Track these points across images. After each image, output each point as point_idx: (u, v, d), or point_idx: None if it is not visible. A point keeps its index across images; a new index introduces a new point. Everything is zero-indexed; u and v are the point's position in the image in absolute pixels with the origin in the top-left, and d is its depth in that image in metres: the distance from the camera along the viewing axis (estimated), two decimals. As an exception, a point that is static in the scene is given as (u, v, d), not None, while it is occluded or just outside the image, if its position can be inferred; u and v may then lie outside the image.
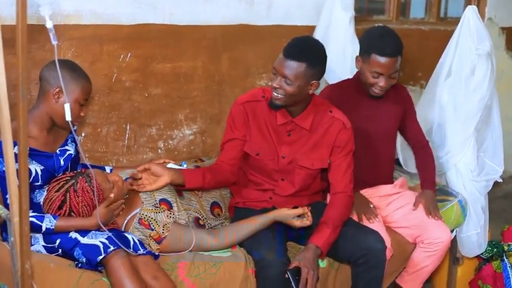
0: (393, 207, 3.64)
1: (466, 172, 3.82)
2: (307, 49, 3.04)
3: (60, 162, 2.96)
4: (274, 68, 3.04)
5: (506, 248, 4.04)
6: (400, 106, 3.68)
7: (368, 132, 3.57)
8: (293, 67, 2.98)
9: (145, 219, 2.98)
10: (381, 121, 3.61)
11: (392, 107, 3.64)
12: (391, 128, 3.71)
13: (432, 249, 3.45)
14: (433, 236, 3.45)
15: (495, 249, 4.00)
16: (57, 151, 2.97)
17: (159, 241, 2.96)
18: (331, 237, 3.10)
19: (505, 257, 4.00)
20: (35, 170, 2.83)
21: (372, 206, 3.52)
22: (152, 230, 2.96)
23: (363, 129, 3.52)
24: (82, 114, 2.95)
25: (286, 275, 2.91)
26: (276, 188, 3.32)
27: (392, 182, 3.80)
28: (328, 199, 3.47)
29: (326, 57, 3.13)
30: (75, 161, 3.08)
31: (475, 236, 3.89)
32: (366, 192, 3.65)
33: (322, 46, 3.15)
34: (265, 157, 3.26)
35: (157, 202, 3.05)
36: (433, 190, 3.66)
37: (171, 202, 3.10)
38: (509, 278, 3.96)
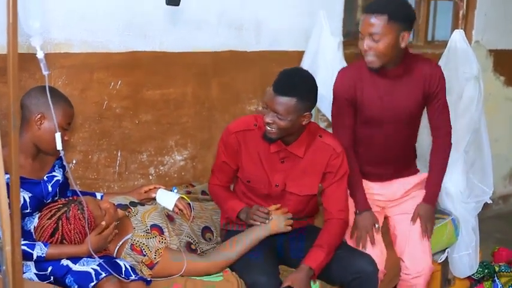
0: (397, 211, 3.60)
1: (455, 194, 3.84)
2: (296, 84, 3.02)
3: (48, 188, 2.95)
4: (266, 103, 3.06)
5: (497, 268, 4.06)
6: (422, 86, 3.34)
7: (382, 115, 3.38)
8: (284, 103, 2.98)
9: (137, 245, 2.98)
10: (397, 102, 3.35)
11: (411, 87, 3.34)
12: (410, 110, 3.38)
13: (411, 283, 3.48)
14: (414, 268, 3.45)
15: (486, 270, 4.03)
16: (45, 177, 2.97)
17: (151, 267, 2.96)
18: (325, 260, 3.10)
19: (496, 278, 4.01)
20: (23, 197, 2.81)
21: (377, 226, 3.44)
22: (144, 255, 2.96)
23: (377, 110, 3.37)
24: (66, 138, 2.92)
25: None
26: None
27: (413, 172, 3.66)
28: (316, 221, 3.49)
29: (316, 88, 3.12)
30: (63, 187, 3.07)
31: (466, 257, 3.90)
32: (379, 188, 3.58)
33: (312, 77, 3.13)
34: (256, 184, 3.28)
35: (149, 228, 3.05)
36: (432, 204, 3.57)
37: (162, 228, 3.10)
38: (501, 298, 3.98)
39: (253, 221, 3.16)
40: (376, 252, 3.31)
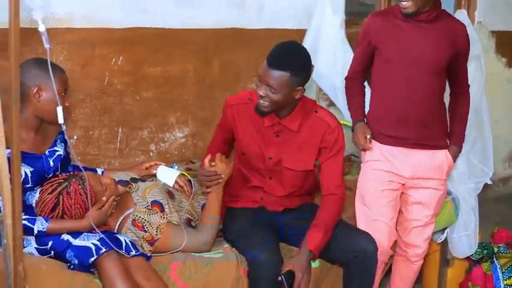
0: (414, 198, 3.44)
1: (456, 174, 3.84)
2: (290, 58, 3.01)
3: (49, 163, 2.95)
4: (259, 76, 3.03)
5: (496, 250, 4.06)
6: (450, 42, 3.23)
7: (409, 63, 3.23)
8: (277, 76, 2.96)
9: (139, 220, 2.99)
10: (425, 51, 3.20)
11: (440, 40, 3.22)
12: (436, 58, 3.23)
13: (411, 260, 3.54)
14: (412, 251, 3.51)
15: (485, 251, 4.02)
16: (46, 152, 2.97)
17: (151, 243, 2.97)
18: (324, 240, 3.10)
19: (495, 259, 4.01)
20: (25, 172, 2.81)
21: (368, 136, 3.37)
22: (146, 231, 2.97)
23: (403, 58, 3.23)
24: (67, 104, 2.92)
25: (280, 278, 2.92)
26: (265, 186, 3.33)
27: (442, 146, 3.40)
28: (316, 199, 3.47)
29: (310, 62, 3.11)
30: (65, 162, 3.07)
31: (465, 238, 3.91)
32: (402, 157, 3.36)
33: (306, 52, 3.11)
34: (251, 157, 3.28)
35: (149, 204, 3.06)
36: (459, 147, 3.45)
37: (163, 204, 3.11)
38: (499, 279, 3.98)
39: (208, 189, 3.18)
40: (385, 233, 3.33)
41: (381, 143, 3.37)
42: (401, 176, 3.36)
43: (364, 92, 3.55)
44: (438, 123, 3.38)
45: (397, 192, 3.41)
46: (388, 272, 3.65)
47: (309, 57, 3.11)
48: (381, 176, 3.37)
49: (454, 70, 3.34)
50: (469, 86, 3.48)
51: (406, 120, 3.30)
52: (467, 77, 3.46)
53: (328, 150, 3.22)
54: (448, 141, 3.42)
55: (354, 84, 3.54)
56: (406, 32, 3.22)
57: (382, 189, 3.36)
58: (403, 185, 3.40)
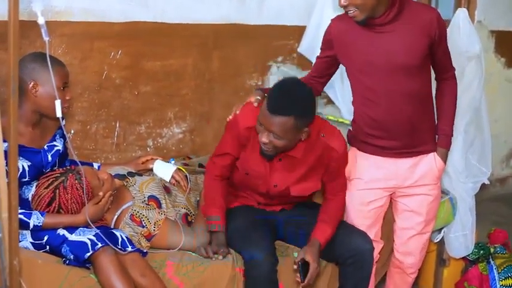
0: (404, 205, 3.35)
1: (453, 173, 3.83)
2: (292, 101, 2.82)
3: (47, 158, 2.95)
4: (260, 122, 2.87)
5: (492, 250, 4.06)
6: (419, 33, 2.99)
7: (375, 61, 3.03)
8: (280, 123, 2.80)
9: (137, 215, 2.98)
10: (392, 54, 2.99)
11: (407, 36, 2.98)
12: (409, 61, 3.01)
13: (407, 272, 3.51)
14: (407, 260, 3.46)
15: (482, 251, 4.02)
16: (45, 147, 2.96)
17: (149, 238, 2.96)
18: (330, 235, 3.11)
19: (491, 259, 4.01)
20: (22, 166, 2.81)
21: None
22: (143, 227, 2.96)
23: (370, 56, 3.03)
24: (68, 97, 2.90)
25: (296, 266, 2.95)
26: (266, 201, 3.31)
27: (429, 149, 3.25)
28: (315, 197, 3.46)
29: (314, 100, 2.95)
30: (63, 157, 3.07)
31: (462, 238, 3.90)
32: (388, 165, 3.23)
33: (309, 90, 2.93)
34: (254, 180, 3.18)
35: (146, 199, 3.05)
36: (447, 148, 3.28)
37: (160, 199, 3.10)
38: (495, 280, 3.97)
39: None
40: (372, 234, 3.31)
41: (367, 153, 3.25)
42: (388, 188, 3.29)
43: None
44: (423, 126, 3.20)
45: (383, 207, 3.35)
46: (382, 281, 3.65)
47: (313, 95, 2.96)
48: (366, 197, 3.28)
49: (434, 57, 3.12)
50: (454, 69, 3.28)
51: (386, 129, 3.14)
52: (450, 61, 3.24)
53: (335, 172, 3.17)
54: (436, 140, 3.28)
55: (304, 80, 3.22)
56: (369, 35, 3.01)
57: (368, 210, 3.29)
58: (392, 193, 3.33)
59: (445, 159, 3.28)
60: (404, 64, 3.00)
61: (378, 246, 3.34)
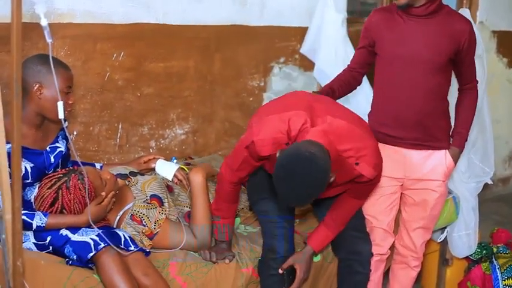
0: (413, 198, 3.36)
1: (457, 173, 3.83)
2: (307, 193, 2.50)
3: (50, 159, 2.95)
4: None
5: (495, 250, 4.06)
6: (449, 38, 3.08)
7: (405, 61, 3.12)
8: (302, 207, 3.07)
9: (137, 215, 2.99)
10: (422, 48, 3.09)
11: (438, 36, 3.09)
12: (436, 59, 3.10)
13: (411, 265, 3.51)
14: (409, 253, 3.48)
15: (484, 251, 4.02)
16: (48, 148, 2.96)
17: (151, 237, 2.97)
18: (330, 238, 3.10)
19: (494, 259, 4.01)
20: (25, 167, 2.81)
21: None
22: (144, 226, 2.97)
23: (399, 55, 3.13)
24: (70, 102, 2.91)
25: (282, 272, 2.96)
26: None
27: (444, 146, 3.28)
28: None
29: (328, 171, 2.51)
30: (66, 159, 3.07)
31: (465, 237, 3.91)
32: (399, 156, 3.26)
33: (317, 169, 2.47)
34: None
35: (148, 198, 3.06)
36: (461, 148, 3.31)
37: (162, 198, 3.10)
38: (498, 279, 3.97)
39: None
40: (381, 236, 3.34)
41: (378, 142, 3.16)
42: (397, 178, 3.31)
43: (349, 82, 3.45)
44: (437, 123, 3.26)
45: (396, 195, 3.36)
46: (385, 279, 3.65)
47: (323, 172, 2.50)
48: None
49: (458, 66, 3.23)
50: (477, 81, 3.36)
51: (402, 119, 3.21)
52: (475, 73, 3.34)
53: (360, 189, 2.99)
54: (450, 140, 3.32)
55: (343, 73, 3.46)
56: (403, 28, 3.14)
57: (378, 195, 3.31)
58: (402, 185, 3.36)
59: (456, 159, 3.31)
60: (429, 59, 3.11)
61: (389, 240, 3.37)
